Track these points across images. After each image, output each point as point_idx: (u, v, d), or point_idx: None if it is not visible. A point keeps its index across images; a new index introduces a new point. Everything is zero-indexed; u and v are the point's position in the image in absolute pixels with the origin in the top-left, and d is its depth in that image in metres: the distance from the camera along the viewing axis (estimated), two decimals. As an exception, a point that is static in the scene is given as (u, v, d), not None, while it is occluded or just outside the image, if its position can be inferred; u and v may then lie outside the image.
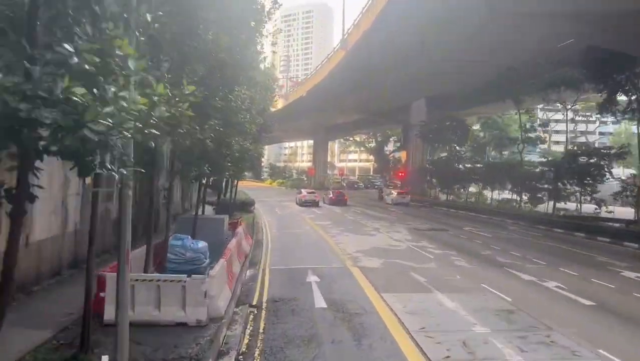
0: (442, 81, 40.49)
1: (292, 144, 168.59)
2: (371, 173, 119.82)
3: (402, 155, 54.73)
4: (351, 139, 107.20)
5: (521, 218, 31.99)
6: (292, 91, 57.24)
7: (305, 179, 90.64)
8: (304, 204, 42.42)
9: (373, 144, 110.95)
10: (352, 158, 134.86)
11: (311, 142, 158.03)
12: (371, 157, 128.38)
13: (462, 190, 45.73)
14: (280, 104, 63.03)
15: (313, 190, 45.18)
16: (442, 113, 48.20)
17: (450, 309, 10.16)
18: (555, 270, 15.12)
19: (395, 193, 46.79)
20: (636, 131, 30.51)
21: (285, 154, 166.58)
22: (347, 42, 40.67)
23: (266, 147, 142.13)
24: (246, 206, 34.41)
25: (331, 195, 45.03)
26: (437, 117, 47.70)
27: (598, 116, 47.66)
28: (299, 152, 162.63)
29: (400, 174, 53.42)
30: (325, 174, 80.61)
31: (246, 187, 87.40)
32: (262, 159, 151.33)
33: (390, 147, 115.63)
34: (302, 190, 44.30)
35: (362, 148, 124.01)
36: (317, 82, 49.09)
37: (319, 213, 36.45)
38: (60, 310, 8.52)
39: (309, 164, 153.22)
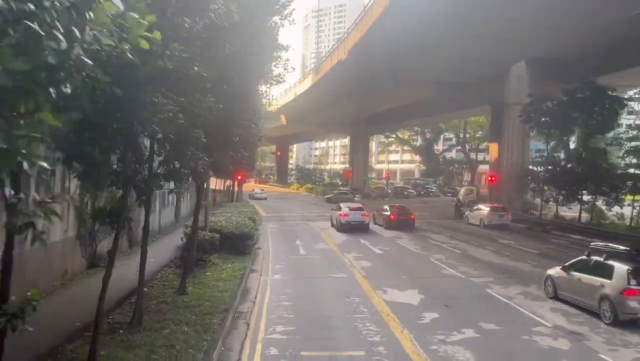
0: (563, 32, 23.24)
1: (323, 143, 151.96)
2: (416, 176, 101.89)
3: (492, 150, 36.89)
4: (393, 136, 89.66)
5: None
6: (326, 58, 40.39)
7: (340, 183, 73.64)
8: (346, 228, 25.60)
9: (418, 143, 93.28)
10: (392, 159, 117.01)
11: (345, 141, 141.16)
12: (416, 157, 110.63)
13: (609, 205, 27.58)
14: (309, 81, 46.47)
15: (360, 205, 27.82)
16: (554, 87, 30.56)
17: None
18: None
19: (488, 210, 29.16)
20: None
21: (315, 155, 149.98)
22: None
23: (294, 146, 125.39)
24: (241, 242, 17.39)
25: (387, 212, 27.94)
26: (548, 90, 30.13)
27: None
28: (330, 153, 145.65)
29: (490, 178, 35.66)
30: (365, 178, 63.59)
31: (268, 192, 71.59)
32: (259, 161, 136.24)
33: (440, 145, 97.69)
34: (342, 206, 27.23)
35: (405, 147, 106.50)
36: (366, 30, 31.62)
37: (379, 254, 19.45)
38: None
39: (342, 166, 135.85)
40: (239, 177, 34.68)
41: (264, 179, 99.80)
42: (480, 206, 30.65)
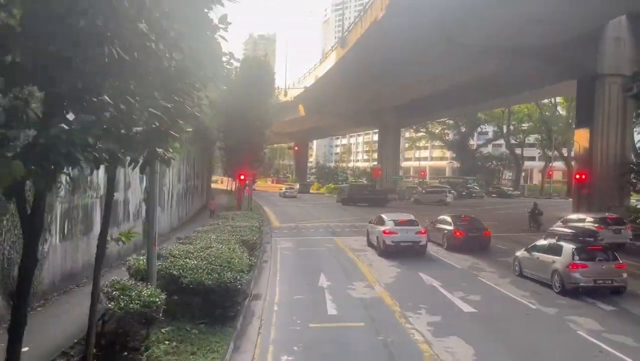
0: None
1: (345, 140, 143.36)
2: (447, 174, 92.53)
3: (579, 138, 27.97)
4: (423, 130, 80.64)
5: None
6: (355, 25, 31.90)
7: (365, 182, 65.11)
8: (392, 251, 17.28)
9: (449, 137, 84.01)
10: (420, 156, 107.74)
11: (368, 137, 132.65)
12: (447, 154, 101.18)
13: None
14: (332, 58, 38.19)
15: (411, 218, 18.66)
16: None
17: None
18: None
19: (596, 221, 20.20)
20: None
21: (336, 153, 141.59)
22: None
23: (313, 144, 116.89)
24: (219, 300, 9.20)
25: (449, 226, 19.41)
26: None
27: None
28: (352, 150, 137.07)
29: (579, 176, 26.67)
30: (397, 177, 54.89)
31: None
32: (277, 159, 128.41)
33: (474, 140, 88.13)
34: (386, 218, 18.43)
35: (435, 143, 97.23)
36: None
37: (473, 317, 10.97)
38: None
39: (366, 164, 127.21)
40: (242, 177, 26.63)
41: (281, 179, 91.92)
42: (580, 215, 21.78)
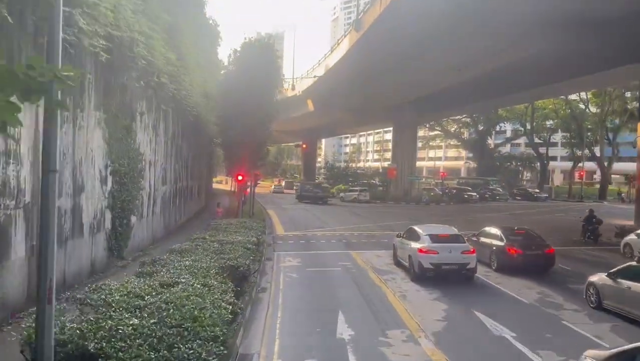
0: None
1: (354, 140, 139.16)
2: (462, 175, 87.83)
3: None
4: (438, 128, 76.20)
5: None
6: (373, 2, 27.65)
7: (378, 183, 60.95)
8: (429, 274, 13.18)
9: (464, 136, 79.57)
10: (434, 156, 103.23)
11: (378, 137, 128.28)
12: (462, 153, 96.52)
13: None
14: (345, 45, 34.07)
15: (454, 232, 14.14)
16: None
17: None
18: None
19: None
20: None
21: (345, 153, 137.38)
22: None
23: (322, 143, 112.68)
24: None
25: (500, 241, 15.21)
26: None
27: None
28: (363, 150, 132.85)
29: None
30: (415, 178, 50.58)
31: (290, 195, 59.52)
32: (285, 159, 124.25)
33: (492, 139, 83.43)
34: (420, 231, 14.09)
35: (450, 142, 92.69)
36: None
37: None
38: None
39: (377, 163, 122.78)
40: (240, 177, 22.49)
41: (288, 179, 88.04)
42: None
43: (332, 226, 27.54)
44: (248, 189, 28.25)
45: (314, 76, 44.33)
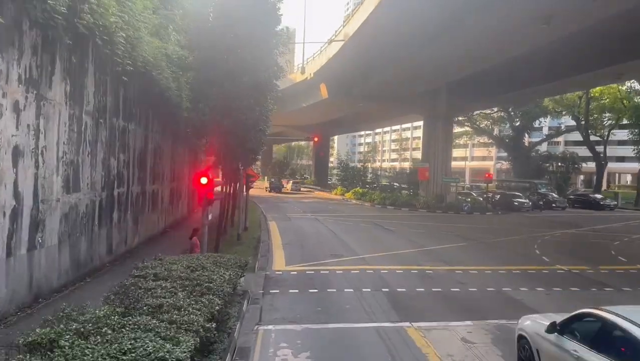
0: None
1: (369, 138, 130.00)
2: (491, 176, 78.02)
3: None
4: (467, 124, 66.72)
5: None
6: None
7: (403, 187, 51.90)
8: None
9: (495, 133, 69.96)
10: (457, 156, 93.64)
11: (397, 134, 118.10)
12: (491, 153, 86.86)
13: None
14: (370, 3, 25.12)
15: None
16: None
17: None
18: None
19: None
20: None
21: (359, 152, 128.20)
22: None
23: (334, 140, 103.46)
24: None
25: None
26: None
27: None
28: (379, 149, 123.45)
29: None
30: (450, 179, 41.23)
31: (302, 198, 50.76)
32: (295, 159, 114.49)
33: (528, 137, 73.72)
34: (625, 322, 5.69)
35: (480, 139, 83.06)
36: None
37: None
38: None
39: (393, 164, 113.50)
40: (204, 180, 13.26)
41: (298, 180, 79.32)
42: None
43: (356, 249, 18.72)
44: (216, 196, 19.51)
45: (326, 62, 35.29)
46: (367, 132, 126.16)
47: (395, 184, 55.46)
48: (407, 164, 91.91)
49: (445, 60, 30.39)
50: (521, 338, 7.35)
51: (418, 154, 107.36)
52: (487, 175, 41.53)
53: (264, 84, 16.01)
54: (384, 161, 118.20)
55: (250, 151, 17.76)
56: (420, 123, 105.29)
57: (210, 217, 15.43)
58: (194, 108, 15.89)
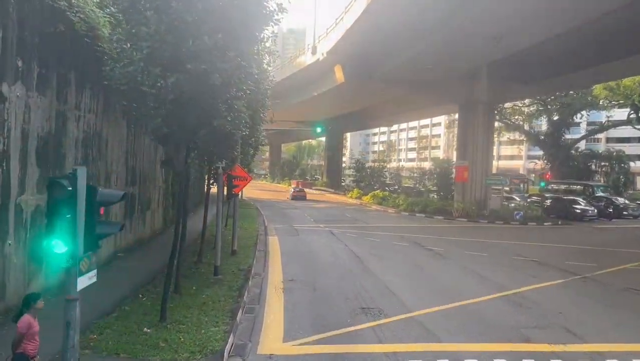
0: None
1: (384, 137, 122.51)
2: (550, 177, 70.26)
3: None
4: (506, 120, 59.02)
5: None
6: None
7: (428, 190, 44.71)
8: None
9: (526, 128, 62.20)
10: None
11: (413, 133, 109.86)
12: (521, 151, 78.94)
13: None
14: None
15: None
16: None
17: None
18: None
19: None
20: None
21: (374, 152, 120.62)
22: None
23: (347, 136, 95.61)
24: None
25: None
26: None
27: None
28: (394, 148, 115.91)
29: None
30: (494, 181, 33.62)
31: (309, 204, 43.63)
32: (305, 159, 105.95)
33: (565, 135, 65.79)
34: None
35: (507, 137, 75.24)
36: None
37: None
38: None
39: (412, 163, 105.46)
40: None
41: (308, 181, 72.32)
42: None
43: (399, 295, 11.58)
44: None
45: (342, 35, 28.00)
46: (382, 130, 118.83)
47: (420, 186, 48.19)
48: (427, 164, 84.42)
49: (492, 25, 23.16)
50: None
51: (438, 153, 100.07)
52: (545, 175, 33.64)
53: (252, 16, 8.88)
54: (399, 160, 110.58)
55: (225, 137, 10.71)
56: (441, 119, 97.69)
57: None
58: (119, 57, 8.88)
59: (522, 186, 46.02)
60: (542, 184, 33.34)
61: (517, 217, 29.08)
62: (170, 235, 10.53)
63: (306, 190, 62.87)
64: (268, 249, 18.30)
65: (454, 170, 37.82)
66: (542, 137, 59.05)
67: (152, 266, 13.47)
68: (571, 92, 49.76)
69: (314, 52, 35.39)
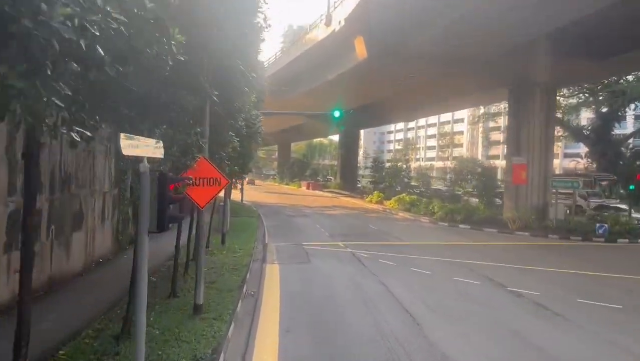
0: None
1: (400, 134, 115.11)
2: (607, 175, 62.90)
3: None
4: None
5: None
6: None
7: (474, 193, 37.71)
8: None
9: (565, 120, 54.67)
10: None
11: (432, 131, 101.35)
12: (558, 149, 71.30)
13: None
14: None
15: None
16: None
17: None
18: None
19: None
20: None
21: (389, 150, 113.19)
22: None
23: (361, 133, 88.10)
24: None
25: None
26: None
27: None
28: (414, 145, 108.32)
29: None
30: (567, 183, 26.34)
31: (322, 210, 36.53)
32: (315, 159, 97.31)
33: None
34: None
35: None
36: None
37: None
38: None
39: (433, 163, 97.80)
40: None
41: (320, 182, 65.50)
42: None
43: None
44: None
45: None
46: (398, 128, 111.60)
47: (456, 188, 41.05)
48: (450, 163, 77.15)
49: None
50: None
51: (460, 152, 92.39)
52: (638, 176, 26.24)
53: None
54: (417, 160, 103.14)
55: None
56: (463, 114, 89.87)
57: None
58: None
59: (600, 188, 38.56)
60: (631, 187, 25.89)
61: (601, 231, 21.86)
62: (124, 264, 4.21)
63: (317, 192, 56.19)
64: (261, 292, 11.48)
65: (499, 170, 30.75)
66: (587, 132, 51.58)
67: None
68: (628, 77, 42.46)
69: (328, 23, 28.52)
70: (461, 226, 26.17)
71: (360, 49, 27.32)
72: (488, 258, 16.60)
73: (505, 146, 31.86)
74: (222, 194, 30.42)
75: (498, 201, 33.19)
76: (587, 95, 49.81)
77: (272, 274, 13.67)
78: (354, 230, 24.13)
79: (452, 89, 35.23)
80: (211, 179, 9.34)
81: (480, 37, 24.02)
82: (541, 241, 21.75)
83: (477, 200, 33.31)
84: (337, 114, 21.80)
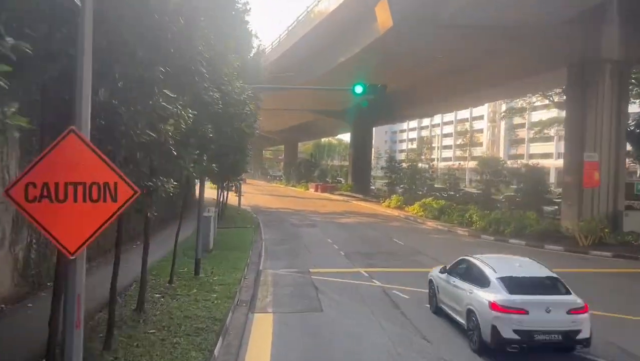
0: None
1: (413, 133, 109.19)
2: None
3: None
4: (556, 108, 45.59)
5: None
6: None
7: (517, 198, 32.00)
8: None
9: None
10: (536, 152, 72.76)
11: (449, 129, 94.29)
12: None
13: None
14: None
15: (546, 271, 6.63)
16: None
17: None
18: None
19: None
20: None
21: (402, 150, 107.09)
22: None
23: (372, 131, 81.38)
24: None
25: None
26: None
27: None
28: (430, 144, 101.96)
29: None
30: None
31: (332, 218, 30.52)
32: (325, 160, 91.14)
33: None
34: (485, 269, 6.74)
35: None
36: None
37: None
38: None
39: (448, 163, 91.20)
40: None
41: (329, 184, 59.85)
42: None
43: None
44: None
45: None
46: (411, 126, 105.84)
47: (496, 191, 35.33)
48: (472, 163, 71.48)
49: None
50: (430, 282, 9.92)
51: (480, 151, 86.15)
52: None
53: None
54: (432, 160, 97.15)
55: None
56: (483, 111, 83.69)
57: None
58: None
59: None
60: None
61: None
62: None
63: (327, 195, 50.82)
64: None
65: (553, 170, 25.06)
66: (631, 127, 45.46)
67: None
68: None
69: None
70: (512, 241, 20.50)
71: (384, 17, 21.66)
72: (593, 304, 10.92)
73: (564, 141, 26.08)
74: (214, 196, 24.49)
75: (547, 208, 27.55)
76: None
77: (261, 337, 8.26)
78: (377, 247, 18.61)
79: (491, 73, 29.47)
80: (96, 186, 4.01)
81: (530, 3, 18.64)
82: (636, 267, 16.06)
83: (517, 207, 27.57)
84: (359, 89, 16.27)
